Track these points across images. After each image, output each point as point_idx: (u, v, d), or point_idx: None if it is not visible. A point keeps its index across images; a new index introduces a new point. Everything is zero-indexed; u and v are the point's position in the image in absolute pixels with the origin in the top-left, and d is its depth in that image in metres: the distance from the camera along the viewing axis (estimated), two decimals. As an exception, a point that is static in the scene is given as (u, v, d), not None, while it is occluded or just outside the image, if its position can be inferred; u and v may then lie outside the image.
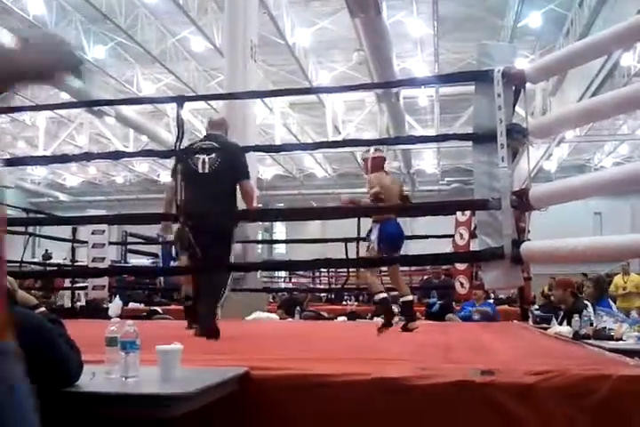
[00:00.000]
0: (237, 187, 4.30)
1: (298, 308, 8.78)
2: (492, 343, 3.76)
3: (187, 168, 4.13)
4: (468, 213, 6.35)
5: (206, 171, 4.20)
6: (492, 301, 8.72)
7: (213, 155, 4.24)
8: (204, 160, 4.21)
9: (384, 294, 5.27)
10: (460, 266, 6.88)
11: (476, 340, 4.09)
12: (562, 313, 5.76)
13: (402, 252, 5.48)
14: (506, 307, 9.37)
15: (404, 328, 4.95)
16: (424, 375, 2.12)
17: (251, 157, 8.33)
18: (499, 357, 2.90)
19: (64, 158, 6.32)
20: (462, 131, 13.86)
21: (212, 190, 4.16)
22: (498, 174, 3.18)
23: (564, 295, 5.85)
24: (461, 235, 6.65)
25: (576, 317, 4.68)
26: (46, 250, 16.85)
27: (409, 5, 13.84)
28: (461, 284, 6.82)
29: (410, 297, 5.36)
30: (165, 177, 24.65)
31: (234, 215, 4.18)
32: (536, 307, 8.46)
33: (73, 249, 9.10)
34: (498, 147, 3.18)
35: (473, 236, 6.19)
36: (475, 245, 5.65)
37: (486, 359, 2.66)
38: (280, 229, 27.05)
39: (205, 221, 4.13)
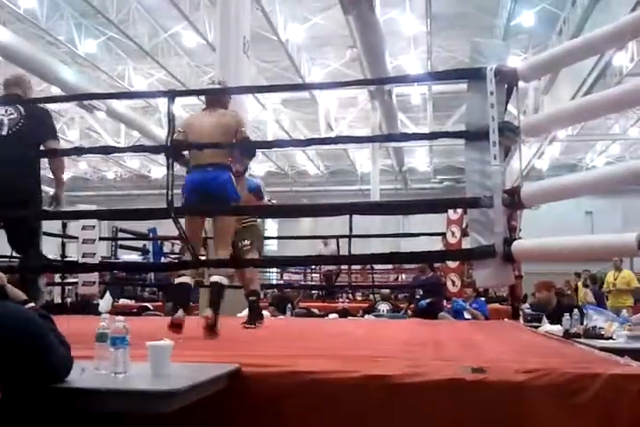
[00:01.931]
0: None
1: (289, 305, 8.77)
2: (482, 341, 3.77)
3: None
4: (459, 211, 6.35)
5: (4, 133, 4.02)
6: (483, 299, 8.74)
7: (15, 115, 4.05)
8: (2, 121, 4.03)
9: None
10: (452, 264, 6.89)
11: (467, 338, 4.10)
12: (547, 314, 5.79)
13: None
14: (497, 305, 9.42)
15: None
16: (414, 373, 2.12)
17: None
18: (489, 355, 2.90)
19: (54, 153, 6.24)
20: (454, 128, 13.92)
21: (12, 154, 3.94)
22: (490, 172, 3.18)
23: (548, 296, 5.90)
24: (453, 233, 6.66)
25: (566, 315, 4.70)
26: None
27: (402, 2, 13.82)
28: (453, 282, 6.84)
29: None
30: (157, 173, 24.58)
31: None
32: (527, 305, 8.50)
33: (63, 244, 9.06)
34: (490, 145, 3.18)
35: (465, 234, 6.20)
36: (466, 244, 5.67)
37: (477, 357, 2.66)
38: (272, 226, 27.03)
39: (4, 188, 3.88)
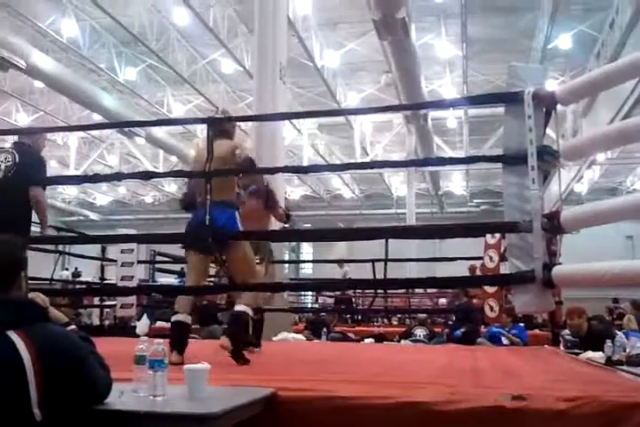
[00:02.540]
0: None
1: (324, 329, 8.73)
2: (522, 368, 3.70)
3: None
4: (497, 235, 6.28)
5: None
6: (522, 324, 8.56)
7: (10, 162, 4.50)
8: None
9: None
10: (490, 289, 6.78)
11: (506, 364, 4.02)
12: (579, 340, 5.66)
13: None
14: (536, 331, 9.22)
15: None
16: (454, 400, 2.09)
17: (279, 178, 8.44)
18: (529, 382, 2.84)
19: (95, 178, 6.40)
20: (491, 152, 13.81)
21: (5, 196, 4.40)
22: (528, 196, 3.15)
23: (579, 323, 5.78)
24: (491, 257, 6.57)
25: (608, 342, 4.58)
26: (76, 268, 17.03)
27: (437, 27, 13.91)
28: (491, 307, 6.72)
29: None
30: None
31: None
32: (567, 331, 8.30)
33: (102, 267, 9.20)
34: (528, 169, 3.15)
35: (503, 258, 6.12)
36: (504, 268, 5.59)
37: (516, 384, 2.61)
38: (307, 250, 27.07)
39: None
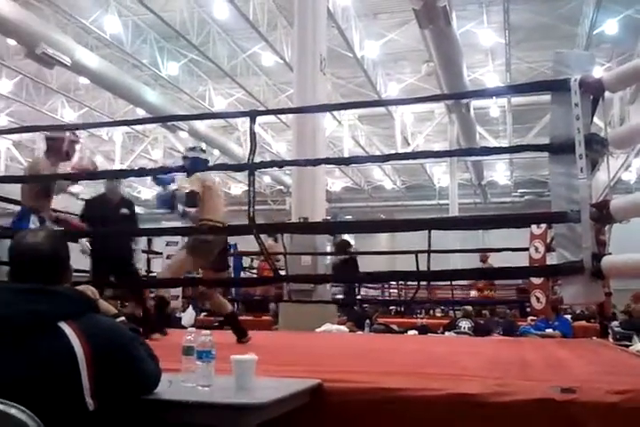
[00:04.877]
0: None
1: (367, 321, 8.73)
2: (570, 360, 3.64)
3: None
4: (543, 225, 6.17)
5: None
6: (568, 316, 8.43)
7: None
8: None
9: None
10: (536, 280, 6.68)
11: (553, 356, 3.96)
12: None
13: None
14: (584, 323, 9.06)
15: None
16: (502, 392, 2.07)
17: (320, 170, 8.44)
18: (578, 374, 2.79)
19: (140, 172, 6.49)
20: (536, 141, 13.59)
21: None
22: (576, 186, 3.08)
23: None
24: (537, 248, 6.47)
25: (660, 334, 4.47)
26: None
27: (479, 15, 13.68)
28: (537, 298, 6.62)
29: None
30: (236, 189, 25.11)
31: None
32: (616, 323, 8.14)
33: (148, 260, 9.36)
34: (576, 158, 3.08)
35: (549, 249, 6.02)
36: (551, 259, 5.50)
37: (565, 377, 2.57)
38: (348, 242, 27.03)
39: None
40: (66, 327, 1.69)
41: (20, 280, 1.79)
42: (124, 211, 5.87)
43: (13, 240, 1.87)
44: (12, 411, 1.53)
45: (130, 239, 6.04)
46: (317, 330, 6.99)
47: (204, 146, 6.38)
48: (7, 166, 22.04)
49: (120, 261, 5.57)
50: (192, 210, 5.03)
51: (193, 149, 5.25)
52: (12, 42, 12.20)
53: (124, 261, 5.65)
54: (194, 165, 4.84)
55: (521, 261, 6.81)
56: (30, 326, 1.67)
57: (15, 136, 20.32)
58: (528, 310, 8.52)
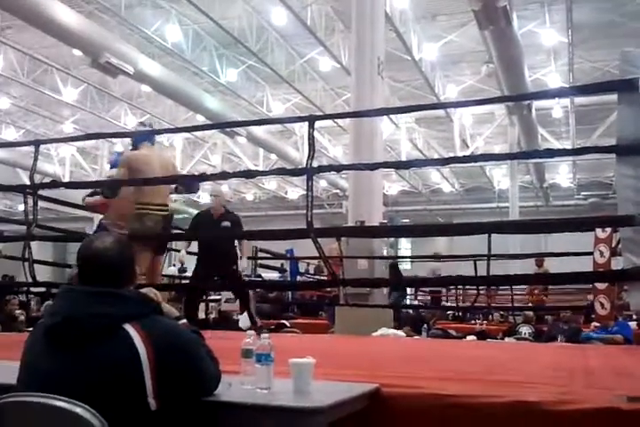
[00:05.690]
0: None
1: (425, 326, 8.64)
2: (636, 368, 3.51)
3: None
4: (608, 229, 5.99)
5: None
6: (633, 323, 8.11)
7: None
8: None
9: None
10: (601, 285, 6.48)
11: (618, 364, 3.83)
12: None
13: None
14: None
15: None
16: (566, 400, 2.01)
17: (376, 173, 8.40)
18: (647, 383, 2.69)
19: (201, 177, 6.62)
20: (600, 142, 13.19)
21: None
22: (644, 188, 2.98)
23: None
24: (601, 252, 6.27)
25: None
26: (182, 263, 17.66)
27: (541, 15, 13.40)
28: (602, 304, 6.42)
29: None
30: (293, 194, 25.28)
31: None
32: (686, 331, 7.82)
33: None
34: (644, 159, 2.98)
35: (614, 253, 5.83)
36: (617, 264, 5.32)
37: (631, 385, 2.48)
38: (405, 246, 26.83)
39: None
40: (130, 329, 1.73)
41: (88, 283, 1.85)
42: (225, 224, 6.49)
43: (82, 245, 1.93)
44: (78, 410, 1.57)
45: (232, 247, 6.67)
46: (374, 334, 6.95)
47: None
48: (72, 172, 22.76)
49: (224, 266, 6.35)
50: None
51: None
52: (77, 52, 12.61)
53: (227, 265, 6.38)
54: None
55: (582, 266, 6.61)
56: (100, 328, 1.72)
57: (79, 143, 20.98)
58: (592, 316, 8.25)
